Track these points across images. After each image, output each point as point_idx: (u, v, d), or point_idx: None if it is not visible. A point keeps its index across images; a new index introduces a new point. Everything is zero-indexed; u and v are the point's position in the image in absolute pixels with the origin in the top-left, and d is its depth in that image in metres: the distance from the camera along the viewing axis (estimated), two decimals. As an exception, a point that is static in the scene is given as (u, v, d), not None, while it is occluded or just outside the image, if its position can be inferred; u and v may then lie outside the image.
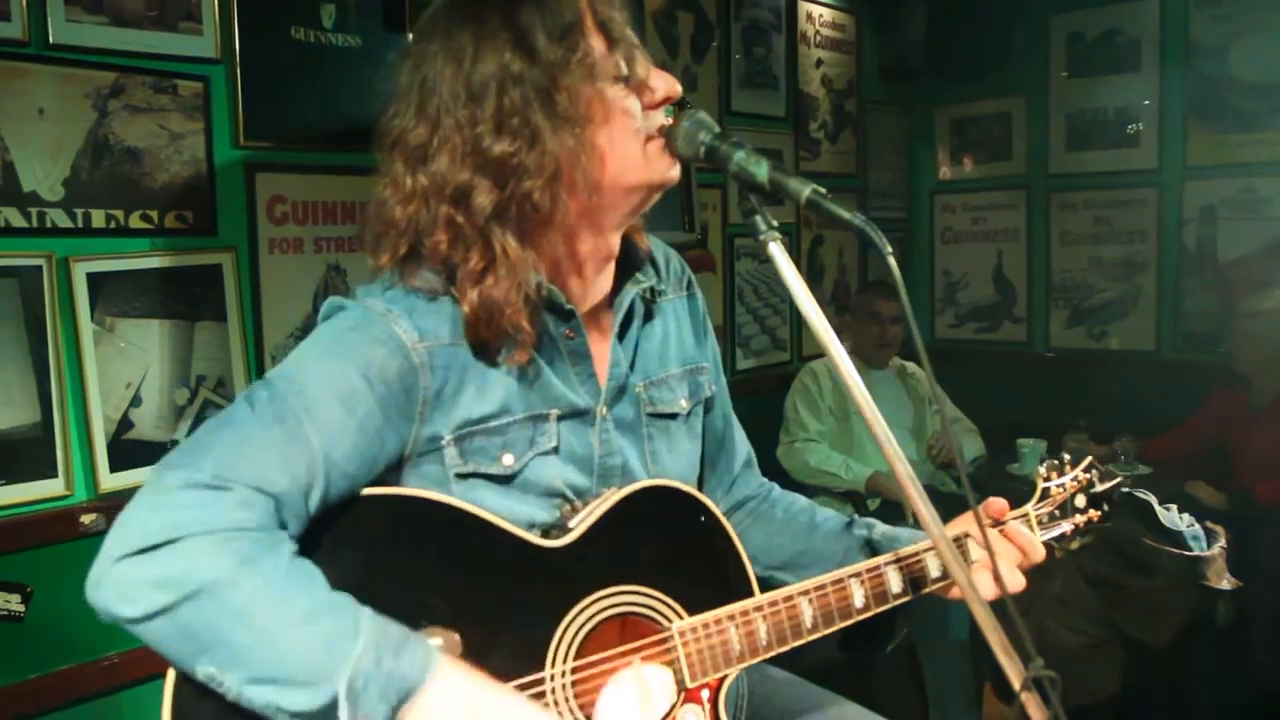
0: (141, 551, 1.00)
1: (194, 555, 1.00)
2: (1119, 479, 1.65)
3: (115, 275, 2.38)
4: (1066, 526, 1.60)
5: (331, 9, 2.78)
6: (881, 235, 1.05)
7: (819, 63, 4.90)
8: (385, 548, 1.12)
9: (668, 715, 1.25)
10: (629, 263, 1.41)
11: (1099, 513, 1.63)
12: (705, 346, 1.56)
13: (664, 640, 1.25)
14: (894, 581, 1.40)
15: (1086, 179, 5.03)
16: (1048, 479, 1.62)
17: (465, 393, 1.24)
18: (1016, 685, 1.00)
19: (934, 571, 1.44)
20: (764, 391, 4.26)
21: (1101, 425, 4.10)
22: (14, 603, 2.20)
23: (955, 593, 1.43)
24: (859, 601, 1.37)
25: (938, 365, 4.45)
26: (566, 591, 1.22)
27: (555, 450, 1.30)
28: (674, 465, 1.44)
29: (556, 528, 1.28)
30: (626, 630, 1.25)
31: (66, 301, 2.31)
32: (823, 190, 1.10)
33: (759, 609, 1.30)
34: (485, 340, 1.23)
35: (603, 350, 1.37)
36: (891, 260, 1.04)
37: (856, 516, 1.60)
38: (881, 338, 4.04)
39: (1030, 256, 5.26)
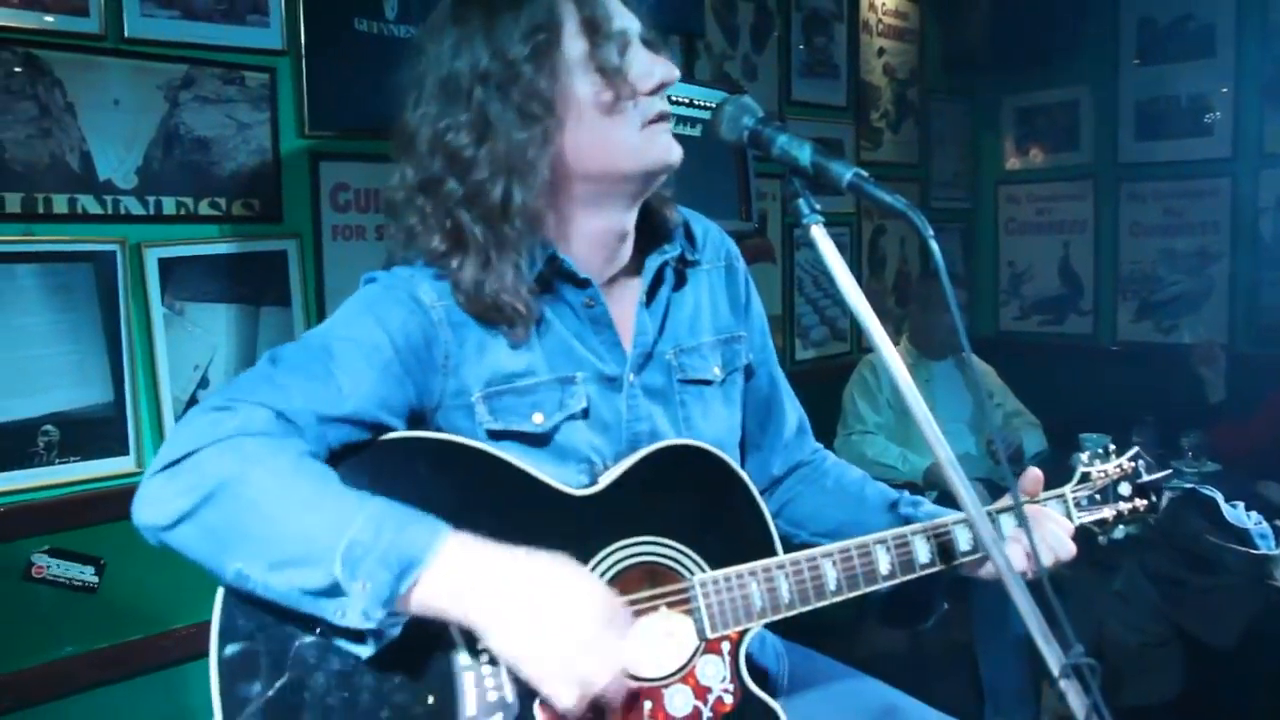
0: (165, 469, 1.11)
1: (206, 462, 1.10)
2: (1168, 471, 1.63)
3: (185, 260, 2.47)
4: (1108, 512, 1.59)
5: (394, 0, 2.83)
6: (923, 218, 1.05)
7: (881, 51, 4.85)
8: (411, 486, 1.16)
9: (688, 663, 1.28)
10: (657, 234, 1.45)
11: (1145, 502, 1.60)
12: (747, 316, 1.58)
13: (684, 590, 1.29)
14: (921, 551, 1.41)
15: (1157, 169, 4.90)
16: (1089, 464, 1.61)
17: (490, 349, 1.31)
18: (1055, 671, 1.00)
19: (963, 544, 1.44)
20: (823, 383, 4.24)
21: (1170, 421, 4.00)
22: (88, 574, 2.30)
23: (984, 572, 1.45)
24: (884, 568, 1.38)
25: (1002, 358, 4.35)
26: (591, 538, 1.26)
27: (584, 414, 1.35)
28: (709, 430, 1.46)
29: (588, 484, 1.32)
30: (649, 579, 1.28)
31: (139, 285, 2.39)
32: (865, 174, 1.11)
33: (781, 567, 1.33)
34: (487, 316, 1.29)
35: (627, 318, 1.41)
36: (933, 243, 1.04)
37: (905, 494, 1.60)
38: (941, 329, 3.99)
39: (1098, 248, 5.14)
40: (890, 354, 1.12)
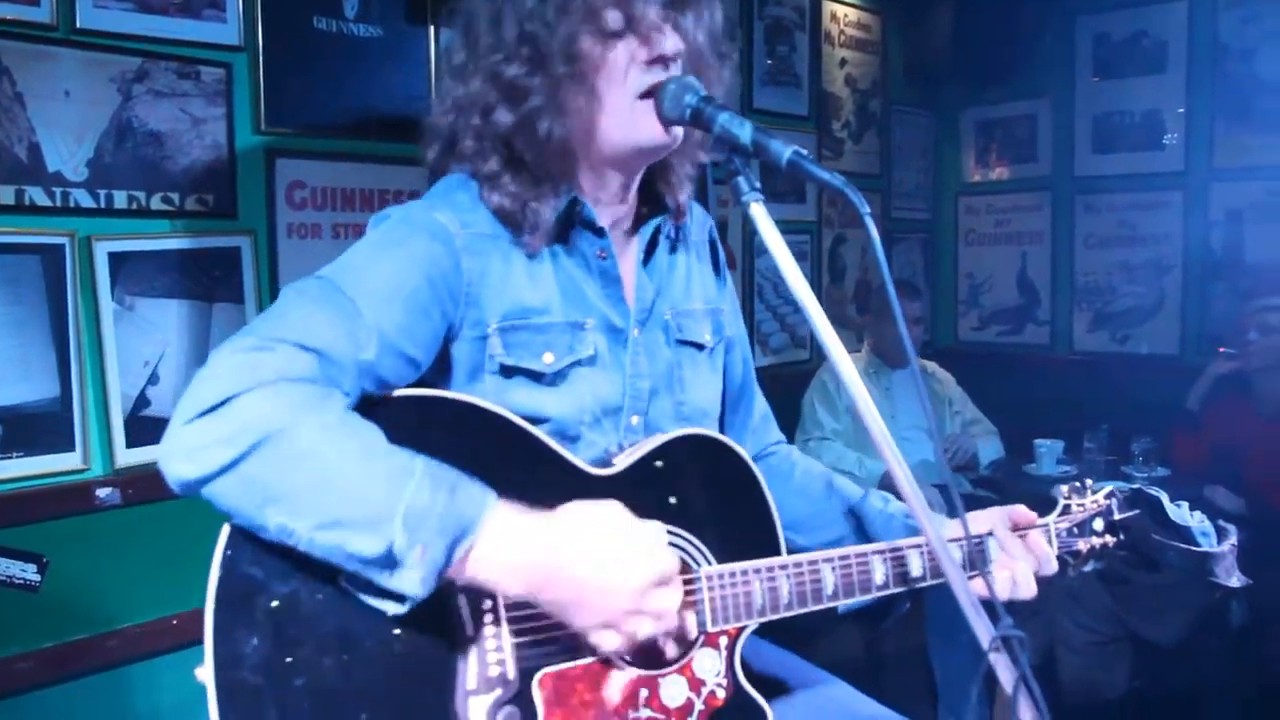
0: (200, 415, 1.04)
1: (250, 409, 1.04)
2: (1137, 511, 1.66)
3: (136, 255, 2.44)
4: (1082, 545, 1.62)
5: (354, -1, 2.83)
6: (860, 196, 1.06)
7: (843, 62, 4.90)
8: (438, 452, 1.12)
9: (685, 654, 1.29)
10: (655, 200, 1.47)
11: (1114, 539, 1.64)
12: (724, 292, 1.62)
13: (691, 583, 1.28)
14: (915, 565, 1.43)
15: (1112, 181, 4.99)
16: (1069, 498, 1.64)
17: (510, 282, 1.31)
18: (984, 644, 1.01)
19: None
20: (783, 389, 4.25)
21: (1123, 429, 4.06)
22: (30, 572, 2.25)
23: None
24: (879, 579, 1.40)
25: (961, 367, 4.37)
26: None
27: (592, 359, 1.36)
28: (699, 395, 1.49)
29: (602, 463, 1.33)
30: None
31: (88, 280, 2.36)
32: (804, 151, 1.12)
33: (784, 568, 1.33)
34: (515, 224, 1.31)
35: (629, 276, 1.43)
36: (869, 220, 1.06)
37: (873, 490, 1.64)
38: (901, 337, 4.02)
39: (1054, 259, 5.23)
40: (828, 335, 1.12)
